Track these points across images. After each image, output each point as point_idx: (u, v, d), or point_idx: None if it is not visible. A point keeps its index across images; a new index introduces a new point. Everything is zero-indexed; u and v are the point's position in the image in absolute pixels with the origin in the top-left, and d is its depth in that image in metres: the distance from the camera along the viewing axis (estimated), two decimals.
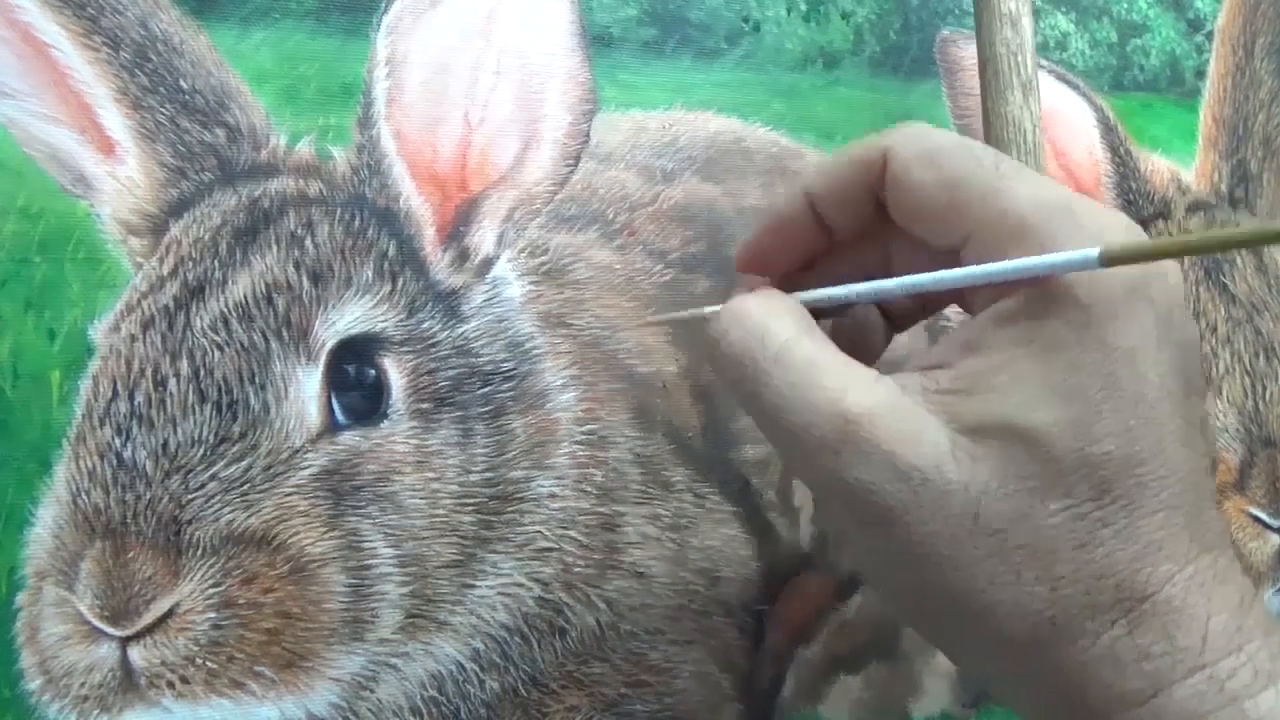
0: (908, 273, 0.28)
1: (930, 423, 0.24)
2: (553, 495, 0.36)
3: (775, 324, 0.26)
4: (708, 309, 0.30)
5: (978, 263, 0.24)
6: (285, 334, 0.33)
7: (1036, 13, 0.48)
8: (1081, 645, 0.23)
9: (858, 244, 0.28)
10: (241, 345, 0.33)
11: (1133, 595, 0.22)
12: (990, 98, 0.39)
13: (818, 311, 0.28)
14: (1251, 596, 0.23)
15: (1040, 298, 0.23)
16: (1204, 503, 0.24)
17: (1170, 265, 0.24)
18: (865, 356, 0.29)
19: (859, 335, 0.30)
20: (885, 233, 0.28)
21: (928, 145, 0.25)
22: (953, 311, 0.35)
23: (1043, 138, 0.39)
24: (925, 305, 0.31)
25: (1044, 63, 0.48)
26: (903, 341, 0.32)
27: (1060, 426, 0.23)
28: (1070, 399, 0.23)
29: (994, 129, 0.39)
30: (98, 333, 0.33)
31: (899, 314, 0.31)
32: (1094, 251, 0.22)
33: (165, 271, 0.34)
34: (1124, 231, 0.24)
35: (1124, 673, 0.22)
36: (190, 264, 0.34)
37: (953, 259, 0.25)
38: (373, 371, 0.34)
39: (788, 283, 0.29)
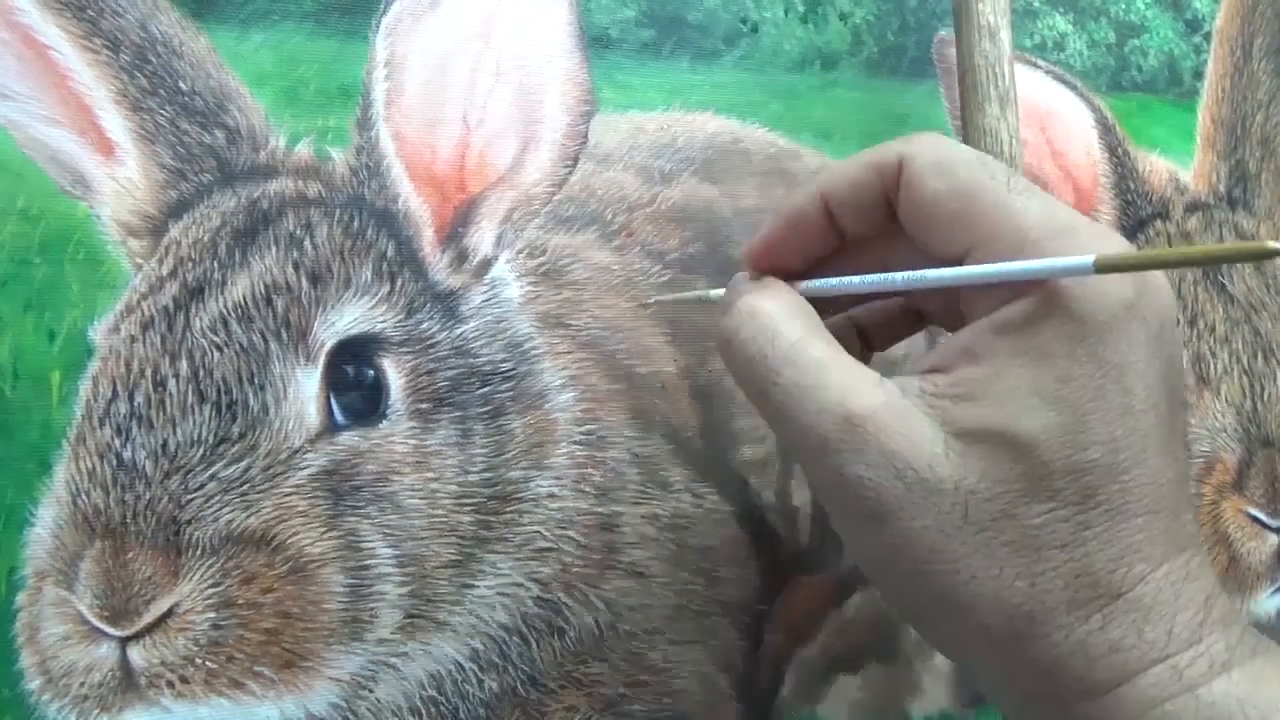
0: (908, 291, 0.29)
1: (926, 424, 0.25)
2: (551, 495, 0.36)
3: (786, 324, 0.27)
4: (712, 291, 0.31)
5: None
6: (284, 335, 0.33)
7: (1034, 14, 0.48)
8: (1054, 639, 0.24)
9: (863, 249, 0.29)
10: (241, 346, 0.33)
11: (1108, 593, 0.24)
12: (969, 109, 0.40)
13: (826, 308, 0.29)
14: (1217, 594, 0.25)
15: (1038, 310, 0.24)
16: (1181, 506, 0.25)
17: (1163, 283, 0.26)
18: (874, 341, 0.31)
19: (864, 324, 0.32)
20: (891, 239, 0.28)
21: (944, 155, 0.26)
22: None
23: (1020, 150, 0.39)
24: (902, 326, 0.32)
25: (1041, 63, 0.48)
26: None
27: (1049, 434, 0.24)
28: (1060, 408, 0.24)
29: (972, 140, 0.39)
30: (97, 334, 0.33)
31: (876, 334, 0.32)
32: (1089, 259, 0.23)
33: (165, 272, 0.34)
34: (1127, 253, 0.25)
35: (1093, 665, 0.24)
36: (189, 265, 0.34)
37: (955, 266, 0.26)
38: (371, 372, 0.34)
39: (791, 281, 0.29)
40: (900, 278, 0.27)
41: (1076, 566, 0.24)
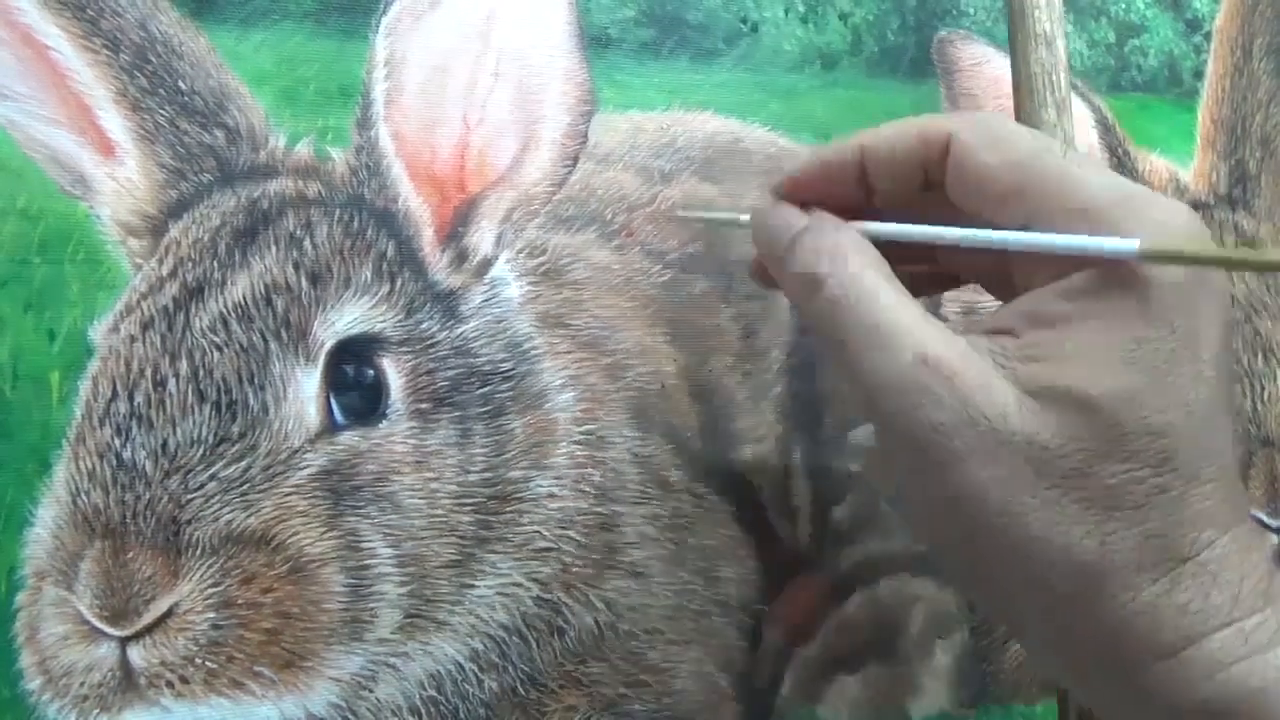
0: (953, 254, 0.29)
1: (998, 379, 0.25)
2: (551, 495, 0.36)
3: (860, 260, 0.27)
4: (741, 215, 0.31)
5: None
6: (284, 334, 0.33)
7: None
8: (1121, 600, 0.24)
9: (895, 210, 0.29)
10: (240, 346, 0.33)
11: (1177, 556, 0.24)
12: (1024, 115, 0.40)
13: None
14: (1274, 563, 0.25)
15: (1108, 276, 0.25)
16: (1236, 477, 0.25)
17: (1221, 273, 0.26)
18: None
19: None
20: (927, 206, 0.29)
21: (995, 130, 0.27)
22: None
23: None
24: (930, 289, 0.33)
25: None
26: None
27: (1126, 395, 0.24)
28: (1134, 371, 0.24)
29: None
30: (97, 333, 0.33)
31: (936, 276, 0.32)
32: (1133, 244, 0.24)
33: (164, 272, 0.34)
34: (1185, 222, 0.25)
35: (1160, 627, 0.24)
36: (189, 265, 0.34)
37: None
38: (371, 372, 0.34)
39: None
40: (958, 234, 0.27)
41: (1149, 528, 0.24)
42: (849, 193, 0.29)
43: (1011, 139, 0.27)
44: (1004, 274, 0.28)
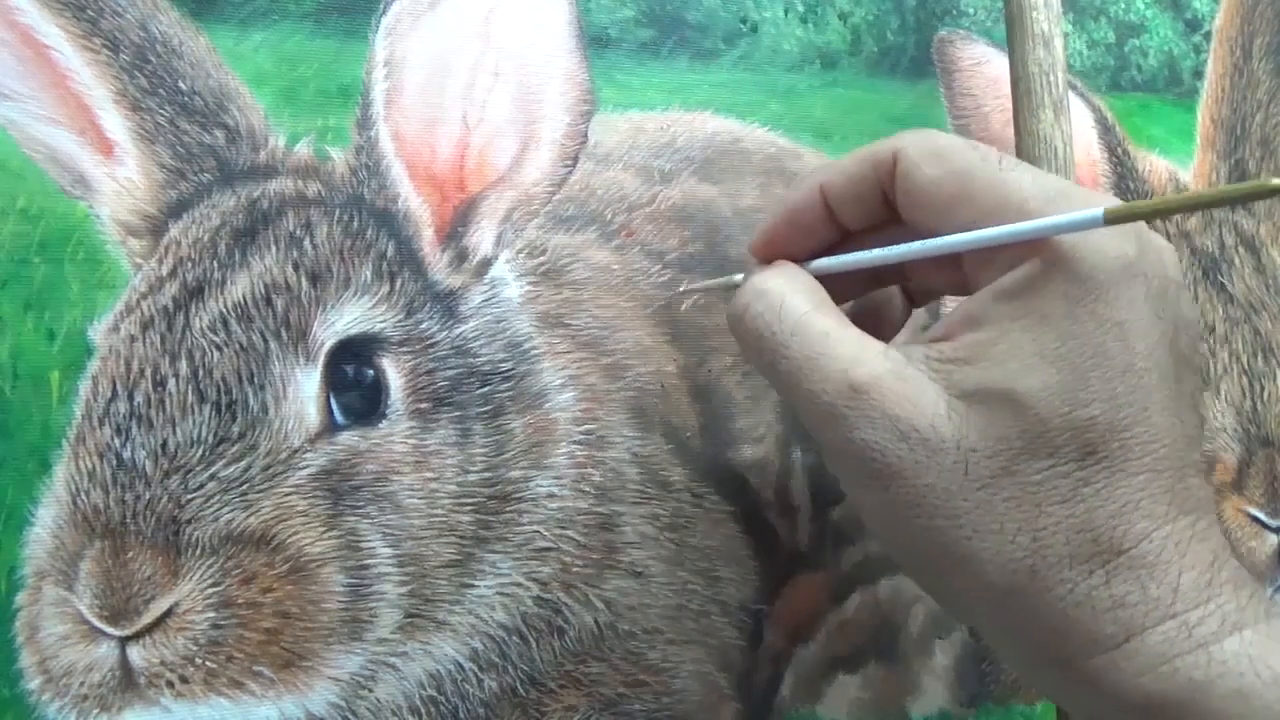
0: (916, 269, 0.30)
1: (929, 388, 0.26)
2: (551, 495, 0.36)
3: (793, 299, 0.28)
4: (736, 276, 0.32)
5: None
6: (284, 334, 0.33)
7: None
8: (1058, 593, 0.25)
9: (868, 238, 0.30)
10: (240, 346, 0.33)
11: (1110, 549, 0.24)
12: (1022, 115, 0.40)
13: (841, 295, 0.30)
14: (1226, 555, 0.25)
15: (1038, 274, 0.25)
16: (1188, 469, 0.25)
17: (1164, 245, 0.26)
18: (886, 328, 0.33)
19: (879, 310, 0.33)
20: (894, 229, 0.29)
21: (935, 144, 0.28)
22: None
23: (1073, 155, 0.40)
24: (908, 310, 0.34)
25: None
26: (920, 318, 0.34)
27: (1049, 391, 0.24)
28: (1060, 366, 0.25)
29: (1025, 146, 0.40)
30: (97, 333, 0.33)
31: (917, 292, 0.33)
32: (1098, 211, 0.24)
33: (164, 272, 0.34)
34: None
35: (1099, 619, 0.24)
36: (189, 265, 0.34)
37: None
38: (371, 372, 0.34)
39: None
40: (909, 248, 0.28)
41: (1077, 522, 0.24)
42: (820, 235, 0.30)
43: (951, 151, 0.27)
44: (964, 285, 0.29)
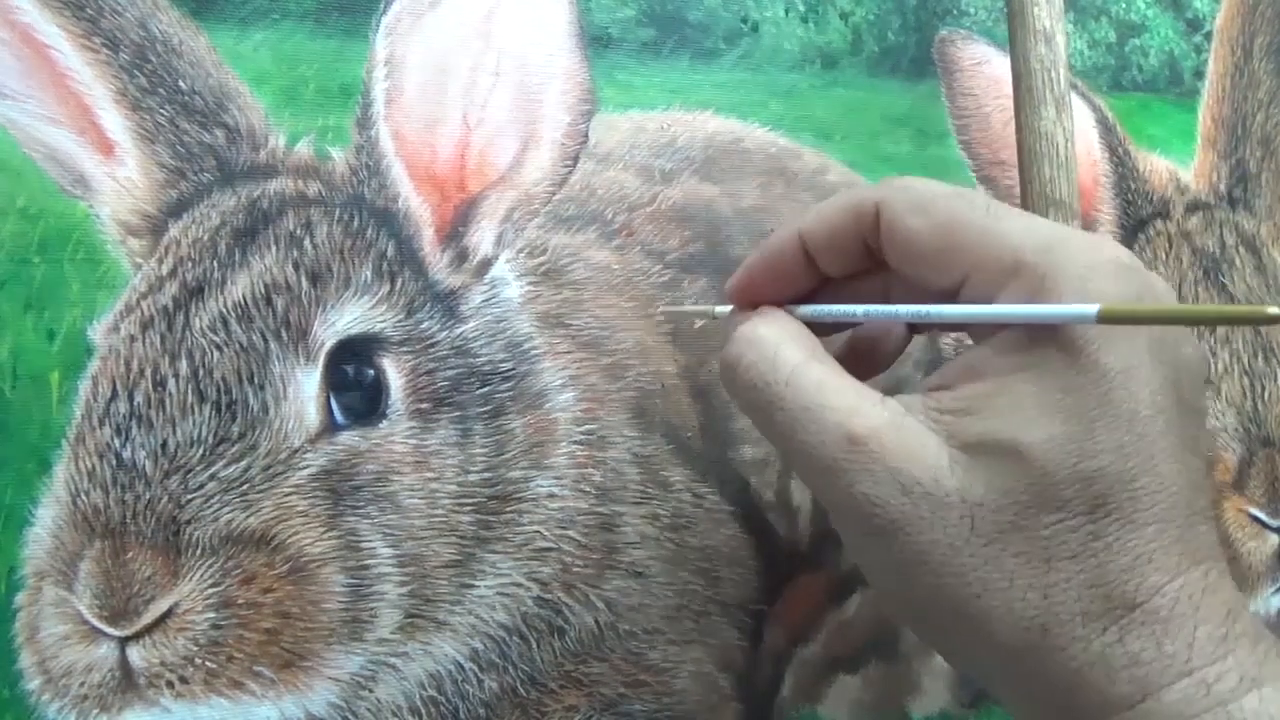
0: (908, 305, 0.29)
1: (931, 440, 0.25)
2: (551, 495, 0.36)
3: (786, 350, 0.27)
4: (717, 308, 0.31)
5: (977, 299, 0.26)
6: (284, 334, 0.33)
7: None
8: (1071, 652, 0.24)
9: (854, 281, 0.30)
10: (240, 345, 0.33)
11: (1123, 604, 0.23)
12: (1024, 112, 0.40)
13: (831, 328, 0.30)
14: (1240, 608, 0.24)
15: (1039, 327, 0.25)
16: (1196, 517, 0.25)
17: (1164, 289, 0.26)
18: (881, 359, 0.31)
19: (876, 340, 0.32)
20: (872, 275, 0.29)
21: (919, 194, 0.27)
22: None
23: (1074, 151, 0.40)
24: (902, 342, 0.32)
25: None
26: (911, 357, 0.32)
27: (1055, 444, 0.24)
28: (1065, 417, 0.24)
29: (1026, 143, 0.40)
30: (97, 333, 0.33)
31: (876, 355, 0.32)
32: (1092, 309, 0.23)
33: (164, 272, 0.34)
34: (1114, 265, 0.25)
35: (1114, 678, 0.23)
36: (189, 264, 0.34)
37: (952, 296, 0.27)
38: (371, 372, 0.34)
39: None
40: (902, 310, 0.28)
41: (1089, 577, 0.23)
42: (800, 280, 0.30)
43: (935, 202, 0.27)
44: (959, 325, 0.28)
